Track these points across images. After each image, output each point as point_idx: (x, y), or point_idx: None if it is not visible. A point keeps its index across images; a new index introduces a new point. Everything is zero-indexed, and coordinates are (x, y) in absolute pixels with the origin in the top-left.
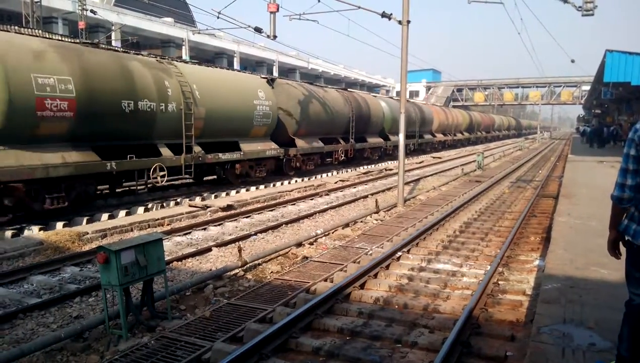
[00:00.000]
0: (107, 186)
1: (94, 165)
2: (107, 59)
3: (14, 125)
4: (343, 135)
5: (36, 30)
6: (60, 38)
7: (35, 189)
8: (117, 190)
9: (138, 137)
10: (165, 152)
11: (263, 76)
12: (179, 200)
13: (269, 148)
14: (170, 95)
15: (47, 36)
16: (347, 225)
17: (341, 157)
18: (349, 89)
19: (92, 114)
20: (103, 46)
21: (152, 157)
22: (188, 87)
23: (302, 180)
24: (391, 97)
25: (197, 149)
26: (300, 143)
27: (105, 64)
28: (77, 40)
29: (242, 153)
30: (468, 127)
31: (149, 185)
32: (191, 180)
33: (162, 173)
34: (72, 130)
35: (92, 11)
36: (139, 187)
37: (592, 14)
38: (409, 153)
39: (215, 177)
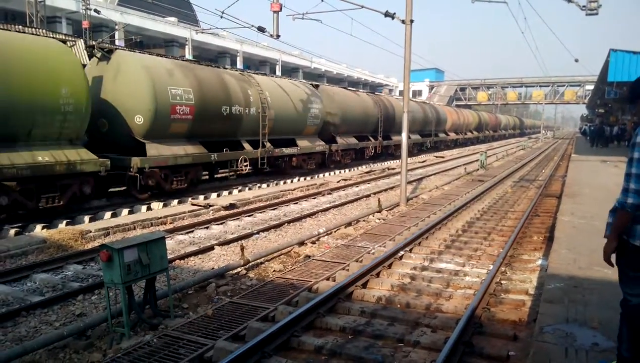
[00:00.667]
0: (207, 173)
1: (203, 156)
2: (210, 73)
3: (156, 126)
4: (372, 133)
5: (41, 30)
6: (181, 58)
7: (166, 173)
8: (216, 175)
9: (229, 135)
10: (247, 146)
11: (312, 83)
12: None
13: (318, 144)
14: (251, 101)
15: (172, 56)
16: (349, 224)
17: (371, 152)
18: (375, 93)
19: (203, 117)
20: (205, 63)
21: (238, 150)
22: (263, 95)
23: (334, 173)
24: (410, 99)
25: (268, 144)
26: (340, 140)
27: (210, 78)
28: (191, 59)
29: (298, 148)
30: (477, 126)
31: (236, 173)
32: (250, 171)
33: (245, 163)
34: (190, 129)
35: (95, 10)
36: (229, 174)
37: (597, 14)
38: (425, 150)
39: (266, 168)
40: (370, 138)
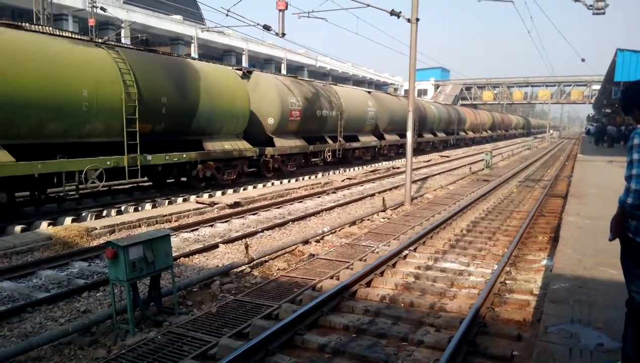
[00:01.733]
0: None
1: (305, 147)
2: (308, 85)
3: (280, 125)
4: (403, 132)
5: (47, 27)
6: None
7: (283, 160)
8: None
9: (318, 132)
10: (329, 141)
11: (367, 90)
12: (188, 195)
13: (372, 140)
14: (333, 106)
15: (284, 74)
16: (353, 223)
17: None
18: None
19: (306, 118)
20: (302, 79)
21: (324, 144)
22: (339, 101)
23: (382, 163)
24: (436, 102)
25: (341, 140)
26: (387, 137)
27: (309, 88)
28: (296, 76)
29: (360, 143)
30: (491, 126)
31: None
32: (321, 163)
33: (328, 153)
34: (298, 128)
35: (102, 8)
36: (317, 162)
37: (604, 13)
38: (448, 147)
39: (316, 159)
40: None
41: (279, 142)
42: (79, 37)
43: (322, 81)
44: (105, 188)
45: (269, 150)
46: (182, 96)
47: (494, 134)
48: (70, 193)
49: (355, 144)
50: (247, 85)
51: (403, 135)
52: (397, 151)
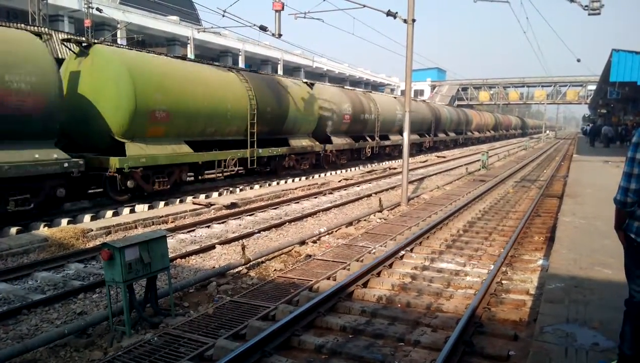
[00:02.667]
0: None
1: (353, 144)
2: (354, 93)
3: (335, 128)
4: (427, 132)
5: (42, 28)
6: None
7: (337, 155)
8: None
9: (361, 132)
10: (369, 139)
11: (395, 96)
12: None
13: (400, 139)
14: (372, 111)
15: (338, 86)
16: (350, 223)
17: (428, 145)
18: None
19: (353, 121)
20: (349, 88)
21: (365, 142)
22: (377, 106)
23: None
24: (448, 105)
25: (378, 138)
26: (395, 138)
27: (355, 96)
28: (343, 86)
29: (391, 141)
30: (494, 126)
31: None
32: (363, 157)
33: (369, 149)
34: (347, 129)
35: (97, 9)
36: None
37: (599, 13)
38: (458, 145)
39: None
40: (426, 135)
41: (335, 140)
42: (216, 64)
43: (357, 88)
44: (233, 173)
45: (328, 146)
46: (279, 106)
47: (496, 133)
48: (218, 175)
49: (387, 142)
50: (301, 92)
51: (422, 135)
52: (418, 149)
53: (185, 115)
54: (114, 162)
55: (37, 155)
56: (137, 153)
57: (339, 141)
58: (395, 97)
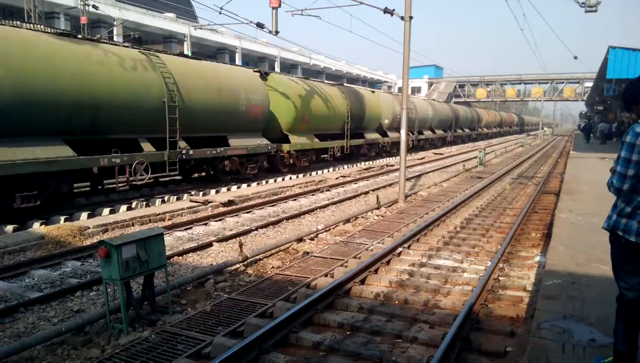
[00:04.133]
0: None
1: (379, 139)
2: (386, 95)
3: (391, 124)
4: (448, 128)
5: (38, 26)
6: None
7: (389, 144)
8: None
9: (413, 128)
10: (410, 133)
11: (425, 98)
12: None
13: (431, 134)
14: (414, 112)
15: (370, 90)
16: (348, 220)
17: (449, 140)
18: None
19: (401, 120)
20: (395, 93)
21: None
22: (415, 107)
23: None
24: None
25: (416, 133)
26: (437, 132)
27: (387, 97)
28: (392, 93)
29: (424, 136)
30: (499, 123)
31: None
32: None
33: (411, 141)
34: (397, 125)
35: (94, 6)
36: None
37: (596, 11)
38: (471, 140)
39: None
40: (448, 131)
41: (390, 134)
42: (327, 82)
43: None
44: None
45: (386, 139)
46: (360, 109)
47: (501, 130)
48: (327, 157)
49: (421, 136)
50: (373, 98)
51: (445, 130)
52: (443, 142)
53: (316, 118)
54: (286, 147)
55: (258, 141)
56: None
57: (393, 135)
58: (425, 99)
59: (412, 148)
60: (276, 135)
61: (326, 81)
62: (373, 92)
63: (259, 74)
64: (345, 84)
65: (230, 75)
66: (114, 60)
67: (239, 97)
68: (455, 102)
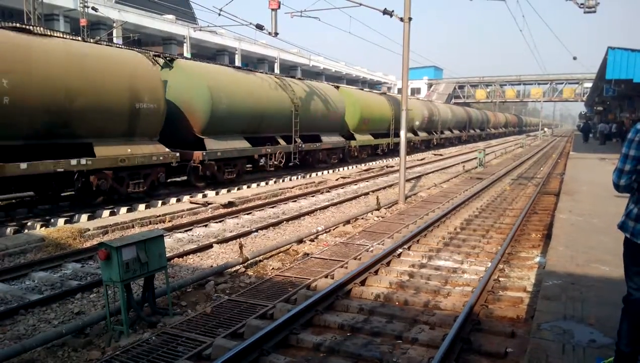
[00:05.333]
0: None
1: (427, 136)
2: (430, 103)
3: (421, 125)
4: (462, 128)
5: (39, 28)
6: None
7: (420, 142)
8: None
9: (431, 129)
10: (434, 133)
11: (444, 102)
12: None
13: (449, 134)
14: (436, 113)
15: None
16: (348, 221)
17: (464, 138)
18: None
19: (428, 122)
20: (423, 99)
21: (433, 135)
22: (439, 110)
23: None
24: (445, 103)
25: (439, 133)
26: (455, 131)
27: (431, 106)
28: (417, 98)
29: (445, 135)
30: (504, 124)
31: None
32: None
33: (435, 140)
34: (425, 127)
35: (93, 8)
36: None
37: (594, 11)
38: (480, 139)
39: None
40: (462, 131)
41: (419, 133)
42: (375, 91)
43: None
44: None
45: (415, 138)
46: (399, 113)
47: (506, 130)
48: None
49: (443, 136)
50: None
51: (460, 130)
52: (459, 140)
53: (372, 121)
54: (353, 143)
55: (337, 139)
56: (360, 138)
57: (422, 134)
58: (444, 103)
59: (436, 145)
60: (345, 134)
61: (375, 91)
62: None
63: (337, 88)
64: (375, 90)
65: (325, 92)
66: (265, 84)
67: (329, 107)
68: (455, 103)
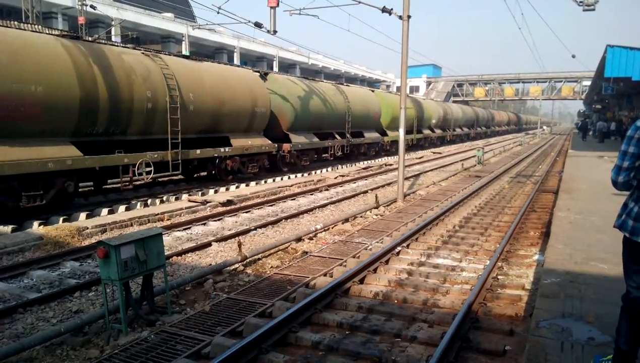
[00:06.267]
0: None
1: (442, 133)
2: (445, 105)
3: (437, 123)
4: (470, 126)
5: (37, 26)
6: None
7: (433, 139)
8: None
9: (446, 127)
10: (447, 130)
11: (453, 102)
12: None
13: (461, 131)
14: (450, 113)
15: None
16: (346, 220)
17: (473, 136)
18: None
19: (444, 120)
20: (441, 101)
21: (448, 131)
22: (452, 110)
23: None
24: (444, 101)
25: (452, 130)
26: (464, 129)
27: (445, 107)
28: (433, 99)
29: (456, 132)
30: (507, 122)
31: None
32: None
33: (449, 136)
34: (441, 125)
35: (91, 6)
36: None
37: (593, 9)
38: (486, 136)
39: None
40: (470, 128)
41: (436, 130)
42: (392, 93)
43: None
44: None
45: (432, 134)
46: (420, 112)
47: (508, 128)
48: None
49: (454, 133)
50: (425, 103)
51: (468, 128)
52: (467, 137)
53: (398, 120)
54: (386, 139)
55: (376, 135)
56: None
57: (438, 131)
58: (455, 103)
59: (449, 141)
60: (380, 131)
61: (394, 92)
62: (424, 99)
63: (373, 91)
64: (380, 90)
65: (366, 95)
66: (329, 91)
67: (370, 108)
68: (454, 101)
